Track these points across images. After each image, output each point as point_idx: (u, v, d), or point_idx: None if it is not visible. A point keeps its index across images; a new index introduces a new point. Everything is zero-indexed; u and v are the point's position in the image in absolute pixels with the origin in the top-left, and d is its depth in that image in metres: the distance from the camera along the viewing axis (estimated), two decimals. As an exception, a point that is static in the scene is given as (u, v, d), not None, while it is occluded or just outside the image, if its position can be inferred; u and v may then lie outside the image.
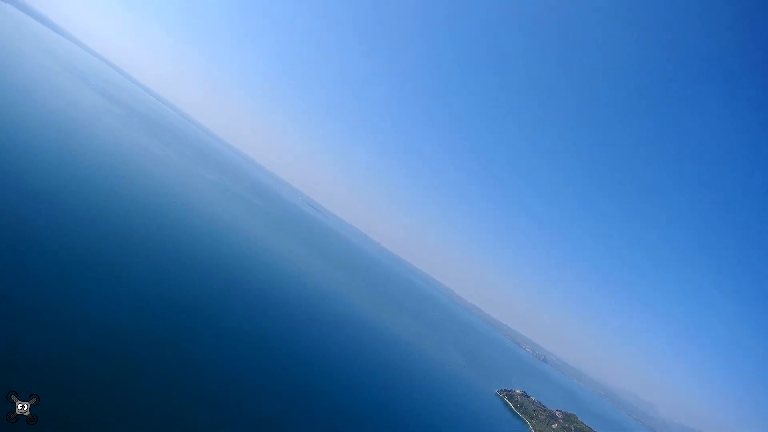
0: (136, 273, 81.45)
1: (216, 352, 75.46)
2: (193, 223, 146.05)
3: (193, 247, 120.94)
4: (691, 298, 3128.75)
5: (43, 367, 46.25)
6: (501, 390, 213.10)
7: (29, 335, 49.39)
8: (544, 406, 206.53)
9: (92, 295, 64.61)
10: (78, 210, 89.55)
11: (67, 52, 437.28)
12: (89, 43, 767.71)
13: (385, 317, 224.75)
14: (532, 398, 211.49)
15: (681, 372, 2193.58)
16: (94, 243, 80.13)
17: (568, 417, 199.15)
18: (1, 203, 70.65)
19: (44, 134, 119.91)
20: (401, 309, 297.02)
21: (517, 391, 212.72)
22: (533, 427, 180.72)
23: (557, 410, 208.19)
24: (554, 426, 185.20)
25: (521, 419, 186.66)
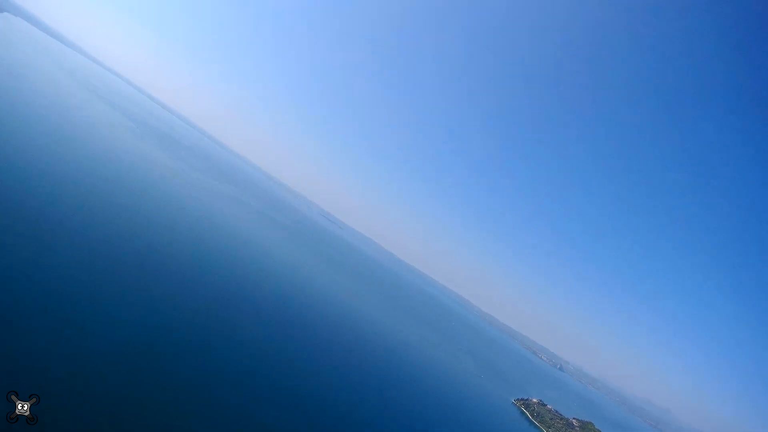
0: (146, 279, 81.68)
1: (229, 360, 74.98)
2: (205, 234, 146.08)
3: (205, 258, 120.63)
4: (703, 302, 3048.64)
5: (43, 367, 45.97)
6: (518, 399, 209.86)
7: (29, 335, 49.27)
8: (560, 415, 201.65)
9: (98, 299, 64.62)
10: (92, 218, 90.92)
11: (83, 67, 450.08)
12: (107, 61, 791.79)
13: (401, 328, 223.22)
14: (549, 407, 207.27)
15: (696, 377, 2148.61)
16: (107, 249, 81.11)
17: (585, 425, 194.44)
18: (22, 211, 73.46)
19: (60, 148, 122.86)
20: (417, 319, 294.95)
21: (534, 400, 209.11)
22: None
23: (574, 418, 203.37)
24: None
25: (538, 428, 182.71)
